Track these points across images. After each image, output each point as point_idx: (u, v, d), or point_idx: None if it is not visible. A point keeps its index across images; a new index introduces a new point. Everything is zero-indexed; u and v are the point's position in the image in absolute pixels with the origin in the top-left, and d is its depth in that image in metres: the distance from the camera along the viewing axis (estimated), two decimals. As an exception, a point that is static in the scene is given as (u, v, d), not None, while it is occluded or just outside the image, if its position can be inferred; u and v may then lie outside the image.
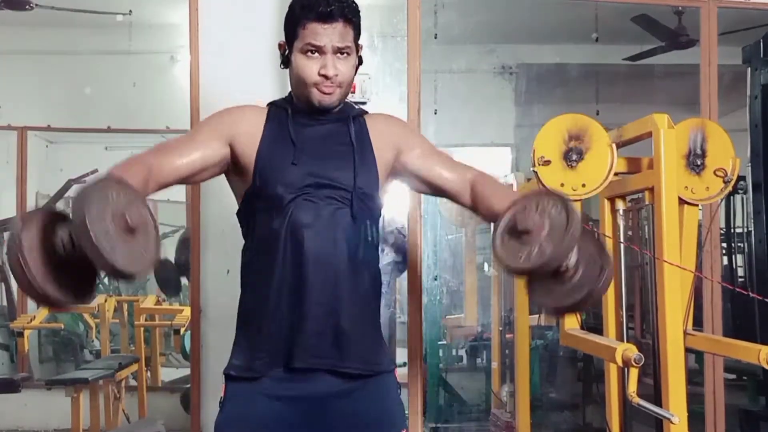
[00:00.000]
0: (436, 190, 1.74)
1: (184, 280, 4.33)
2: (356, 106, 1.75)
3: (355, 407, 1.61)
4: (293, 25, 1.62)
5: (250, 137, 1.63)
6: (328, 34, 1.58)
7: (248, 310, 1.64)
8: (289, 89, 1.72)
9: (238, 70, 3.01)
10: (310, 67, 1.60)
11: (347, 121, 1.68)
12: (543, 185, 2.38)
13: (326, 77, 1.59)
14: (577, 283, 1.44)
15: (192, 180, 1.65)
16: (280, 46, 1.69)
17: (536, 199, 1.44)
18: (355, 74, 1.67)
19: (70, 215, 1.23)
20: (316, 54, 1.60)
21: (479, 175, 1.69)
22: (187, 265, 3.06)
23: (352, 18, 1.61)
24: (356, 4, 1.63)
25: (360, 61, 1.67)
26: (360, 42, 1.66)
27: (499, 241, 1.44)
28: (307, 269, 1.56)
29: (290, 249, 1.57)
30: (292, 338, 1.57)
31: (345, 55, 1.61)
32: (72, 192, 1.14)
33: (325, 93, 1.61)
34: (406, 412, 2.44)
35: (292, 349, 1.57)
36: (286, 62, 1.67)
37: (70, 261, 1.25)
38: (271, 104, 1.72)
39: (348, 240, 1.60)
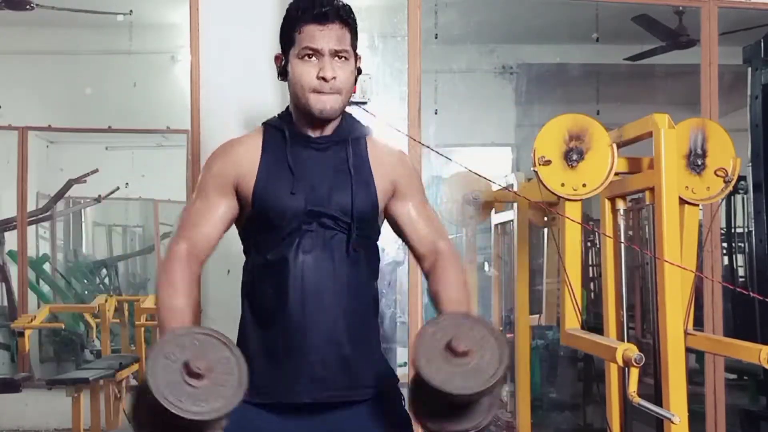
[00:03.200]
0: (403, 239, 1.72)
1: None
2: (357, 125, 1.70)
3: (361, 423, 1.61)
4: (289, 30, 1.60)
5: (249, 172, 1.61)
6: (325, 36, 1.56)
7: (248, 336, 1.62)
8: (288, 96, 1.71)
9: (239, 70, 3.02)
10: (308, 71, 1.57)
11: (346, 145, 1.64)
12: (544, 184, 2.38)
13: (324, 80, 1.55)
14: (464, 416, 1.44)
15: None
16: (276, 58, 1.66)
17: (476, 324, 1.41)
18: (354, 82, 1.64)
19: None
20: (314, 58, 1.57)
21: (446, 251, 1.67)
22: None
23: (348, 20, 1.58)
24: (351, 8, 1.61)
25: (359, 71, 1.64)
26: (359, 53, 1.64)
27: (425, 340, 1.39)
28: (305, 299, 1.55)
29: (287, 279, 1.56)
30: (292, 372, 1.56)
31: (343, 59, 1.58)
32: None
33: (324, 99, 1.57)
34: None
35: (294, 384, 1.56)
36: (283, 74, 1.64)
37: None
38: (266, 125, 1.68)
39: (346, 268, 1.58)
